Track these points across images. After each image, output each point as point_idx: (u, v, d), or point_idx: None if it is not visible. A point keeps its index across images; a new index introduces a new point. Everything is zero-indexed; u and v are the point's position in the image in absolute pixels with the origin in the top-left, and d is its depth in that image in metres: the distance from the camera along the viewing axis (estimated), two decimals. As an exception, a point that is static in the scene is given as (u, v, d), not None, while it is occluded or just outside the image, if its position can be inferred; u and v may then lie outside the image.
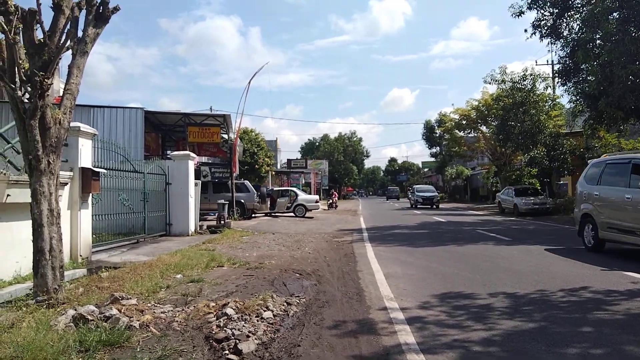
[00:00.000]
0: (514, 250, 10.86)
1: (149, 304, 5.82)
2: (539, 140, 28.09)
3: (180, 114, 22.91)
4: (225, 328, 4.71)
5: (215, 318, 5.14)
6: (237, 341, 4.26)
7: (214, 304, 5.70)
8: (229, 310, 5.22)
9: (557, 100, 30.39)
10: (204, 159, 30.45)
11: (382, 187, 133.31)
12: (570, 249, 10.81)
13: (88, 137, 9.45)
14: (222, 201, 17.52)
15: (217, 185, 22.75)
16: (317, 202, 27.04)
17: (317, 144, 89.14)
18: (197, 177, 21.59)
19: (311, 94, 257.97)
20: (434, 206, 36.69)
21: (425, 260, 9.64)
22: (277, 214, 25.72)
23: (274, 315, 5.27)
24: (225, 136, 24.76)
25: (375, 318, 5.26)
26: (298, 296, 6.24)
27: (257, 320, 5.04)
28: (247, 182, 24.39)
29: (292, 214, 25.30)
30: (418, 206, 37.13)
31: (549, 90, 29.88)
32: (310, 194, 38.04)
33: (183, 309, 5.59)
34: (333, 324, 5.06)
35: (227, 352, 4.13)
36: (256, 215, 24.74)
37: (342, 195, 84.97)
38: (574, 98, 20.04)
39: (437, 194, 40.20)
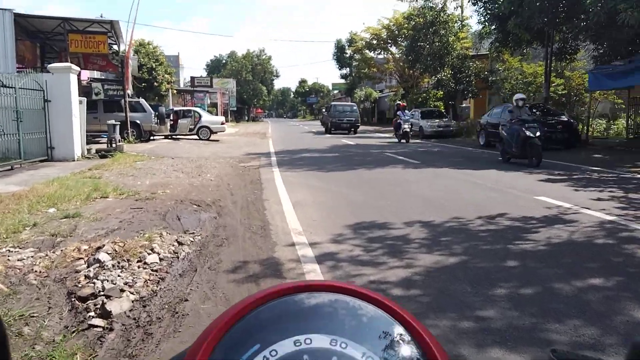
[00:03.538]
0: (422, 174, 10.67)
1: (3, 249, 4.72)
2: (446, 62, 28.29)
3: (58, 18, 19.71)
4: (95, 279, 3.79)
5: (86, 266, 4.19)
6: (106, 299, 3.38)
7: (86, 247, 4.70)
8: (103, 256, 4.27)
9: (465, 22, 30.51)
10: (96, 74, 27.26)
11: (292, 109, 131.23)
12: (475, 170, 10.82)
13: None
14: (113, 122, 15.66)
15: (108, 104, 20.41)
16: (223, 123, 25.52)
17: (224, 61, 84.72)
18: (89, 95, 19.16)
19: (219, 4, 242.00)
20: None
21: (335, 185, 9.11)
22: (178, 137, 23.99)
23: (161, 259, 4.40)
24: (116, 47, 22.02)
25: (282, 257, 4.59)
26: (193, 233, 5.38)
27: (139, 267, 4.16)
28: (142, 101, 22.19)
29: (195, 137, 23.75)
30: None
31: (459, 11, 29.87)
32: (216, 115, 36.21)
33: (47, 254, 4.56)
34: (232, 267, 4.30)
35: (92, 314, 3.25)
36: (155, 137, 22.87)
37: (251, 118, 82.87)
38: (482, 19, 19.99)
39: None
